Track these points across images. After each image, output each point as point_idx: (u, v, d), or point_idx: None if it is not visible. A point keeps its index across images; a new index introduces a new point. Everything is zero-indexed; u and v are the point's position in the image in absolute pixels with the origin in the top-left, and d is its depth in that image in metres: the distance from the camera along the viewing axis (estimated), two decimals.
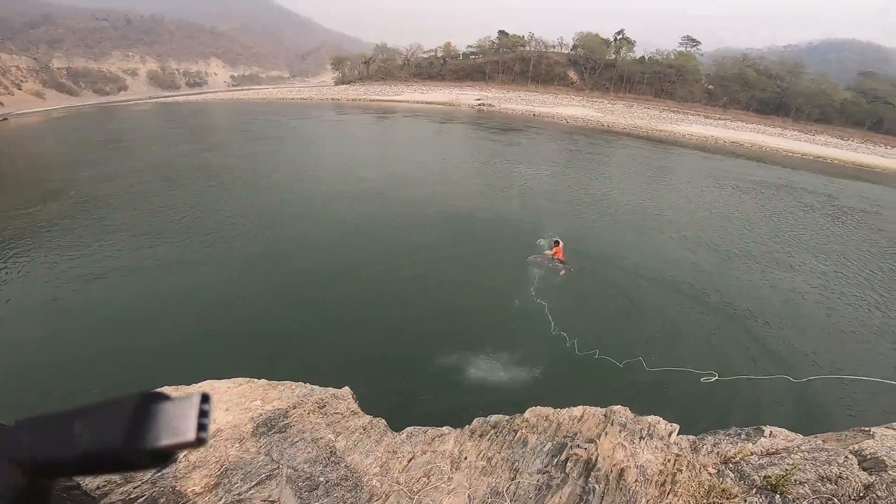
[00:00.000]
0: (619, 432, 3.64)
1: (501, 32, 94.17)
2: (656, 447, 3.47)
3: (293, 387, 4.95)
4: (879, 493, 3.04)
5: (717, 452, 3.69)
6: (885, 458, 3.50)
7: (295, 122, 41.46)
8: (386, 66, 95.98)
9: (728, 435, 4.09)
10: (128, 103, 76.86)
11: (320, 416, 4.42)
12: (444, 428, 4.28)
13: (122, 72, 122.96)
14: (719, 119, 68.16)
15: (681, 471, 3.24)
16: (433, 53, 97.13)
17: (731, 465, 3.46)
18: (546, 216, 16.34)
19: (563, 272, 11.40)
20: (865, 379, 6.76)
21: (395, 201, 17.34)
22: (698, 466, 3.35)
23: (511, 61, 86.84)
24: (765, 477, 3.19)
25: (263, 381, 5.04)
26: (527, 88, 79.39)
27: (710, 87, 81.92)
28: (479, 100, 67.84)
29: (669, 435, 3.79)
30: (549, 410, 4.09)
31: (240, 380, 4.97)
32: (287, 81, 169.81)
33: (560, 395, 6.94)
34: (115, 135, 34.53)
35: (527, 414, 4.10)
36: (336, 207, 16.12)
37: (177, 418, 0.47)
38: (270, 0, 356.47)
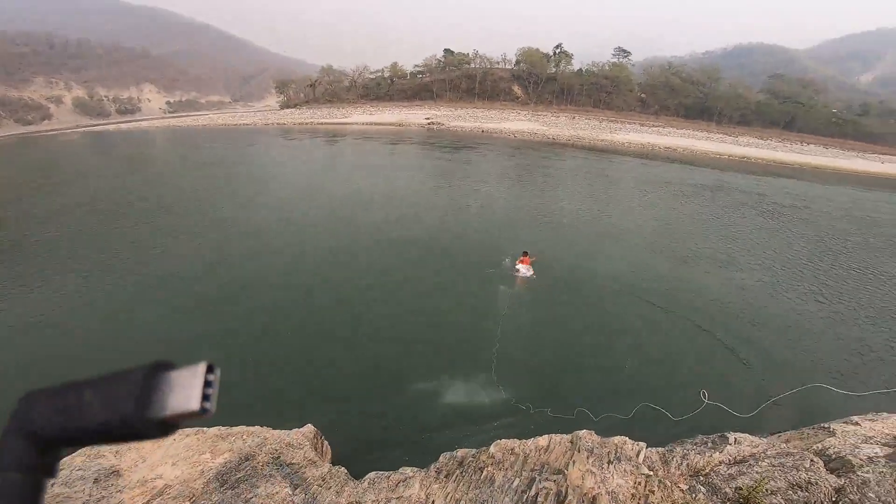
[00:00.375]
0: (587, 458, 3.59)
1: (447, 51, 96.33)
2: (626, 470, 3.44)
3: (245, 436, 4.73)
4: (852, 497, 3.09)
5: (687, 465, 3.72)
6: (850, 457, 3.62)
7: (240, 150, 39.71)
8: (332, 89, 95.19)
9: (695, 444, 4.15)
10: (53, 133, 71.23)
11: (275, 468, 4.22)
12: (409, 470, 4.15)
13: (46, 99, 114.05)
14: (652, 126, 72.94)
15: (653, 492, 3.24)
16: (380, 74, 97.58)
17: (701, 479, 3.48)
18: (506, 233, 16.52)
19: (521, 280, 12.04)
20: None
21: (353, 226, 16.92)
22: (670, 485, 3.34)
23: (458, 79, 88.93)
24: (736, 489, 3.22)
25: (214, 430, 4.80)
26: (474, 105, 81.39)
27: (643, 95, 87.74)
28: (428, 118, 68.64)
29: (638, 454, 3.81)
30: (514, 443, 4.00)
31: (187, 430, 4.72)
32: (229, 106, 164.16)
33: (525, 417, 7.02)
34: (41, 168, 31.72)
35: (492, 449, 4.00)
36: (291, 237, 15.53)
37: (182, 388, 0.48)
38: (208, 24, 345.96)
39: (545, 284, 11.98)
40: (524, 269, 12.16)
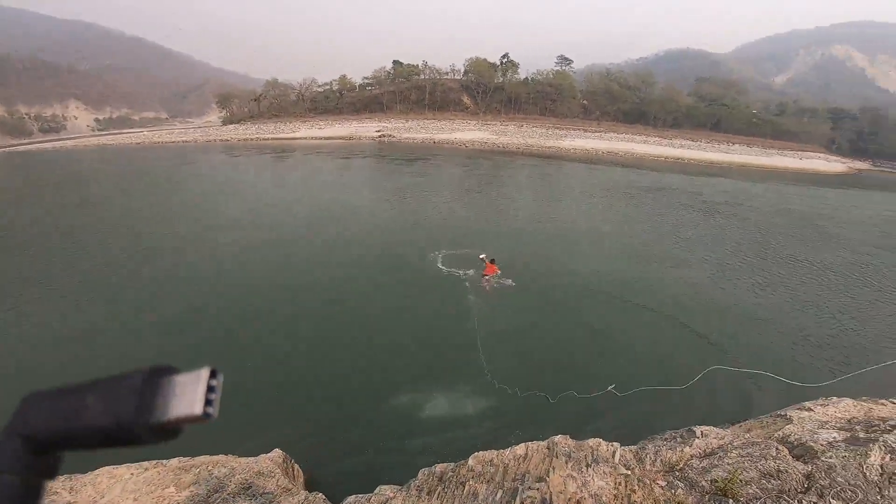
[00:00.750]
0: (566, 463, 3.62)
1: (396, 62, 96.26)
2: (604, 472, 3.50)
3: (210, 466, 4.48)
4: (822, 483, 3.22)
5: (661, 461, 3.81)
6: (811, 443, 3.81)
7: (181, 169, 37.53)
8: (279, 102, 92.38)
9: (665, 440, 4.29)
10: None
11: (247, 499, 4.02)
12: (388, 489, 4.08)
13: None
14: (595, 131, 76.63)
15: (634, 491, 3.30)
16: (328, 87, 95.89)
17: (677, 474, 3.58)
18: (471, 240, 16.57)
19: (488, 287, 12.65)
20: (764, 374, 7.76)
21: (311, 242, 16.35)
22: (649, 482, 3.41)
23: (408, 90, 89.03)
24: (712, 481, 3.33)
25: (175, 460, 4.53)
26: (425, 116, 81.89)
27: (585, 102, 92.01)
28: (379, 131, 68.32)
29: (613, 455, 3.87)
30: (492, 454, 3.99)
31: (146, 463, 4.44)
32: (166, 123, 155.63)
33: (503, 428, 7.04)
34: None
35: (471, 461, 3.95)
36: (247, 257, 14.81)
37: (184, 393, 0.48)
38: (141, 37, 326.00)
39: (517, 288, 12.50)
40: (489, 277, 12.87)
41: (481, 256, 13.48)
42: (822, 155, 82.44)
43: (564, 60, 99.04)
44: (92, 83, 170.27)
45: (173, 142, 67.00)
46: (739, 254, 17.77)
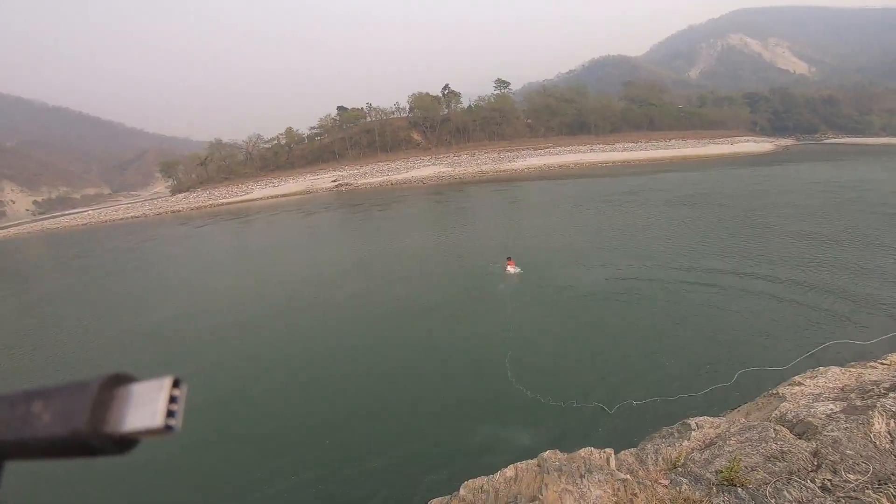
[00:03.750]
0: (559, 477, 3.45)
1: (340, 108, 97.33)
2: (600, 480, 3.35)
3: None
4: (832, 458, 3.09)
5: (662, 458, 3.73)
6: (810, 419, 3.73)
7: (136, 249, 35.18)
8: (227, 164, 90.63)
9: (663, 437, 4.21)
10: None
11: None
12: None
13: None
14: (544, 148, 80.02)
15: (636, 495, 3.16)
16: (276, 142, 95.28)
17: (679, 470, 3.48)
18: (461, 281, 16.36)
19: (512, 276, 15.37)
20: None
21: (295, 311, 15.26)
22: (650, 483, 3.29)
23: (357, 135, 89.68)
24: (717, 472, 3.21)
25: None
26: (378, 159, 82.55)
27: (529, 121, 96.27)
28: (335, 181, 68.15)
29: (608, 461, 3.73)
30: (482, 480, 3.84)
31: None
32: (110, 199, 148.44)
33: (488, 448, 7.02)
34: None
35: (462, 491, 3.79)
36: (229, 336, 13.64)
37: (145, 403, 0.46)
38: (65, 107, 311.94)
39: (533, 294, 13.97)
40: (511, 269, 15.55)
41: (494, 265, 16.65)
42: (750, 137, 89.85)
43: (502, 83, 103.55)
44: (23, 161, 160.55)
45: (122, 219, 64.09)
46: (719, 241, 18.51)
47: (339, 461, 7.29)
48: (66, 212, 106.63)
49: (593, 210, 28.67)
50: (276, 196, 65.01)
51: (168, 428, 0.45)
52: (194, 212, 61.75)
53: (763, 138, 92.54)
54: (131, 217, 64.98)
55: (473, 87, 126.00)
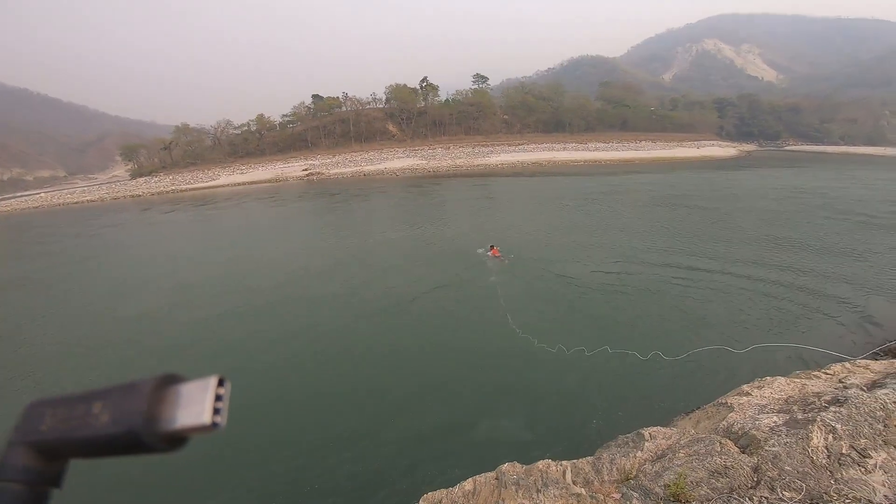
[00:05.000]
0: (517, 492, 3.48)
1: (316, 96, 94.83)
2: (555, 495, 3.37)
3: None
4: (771, 474, 3.11)
5: (617, 469, 3.77)
6: (754, 432, 3.76)
7: (98, 234, 32.82)
8: (193, 149, 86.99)
9: (619, 446, 4.25)
10: None
11: None
12: None
13: None
14: (518, 144, 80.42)
15: None
16: (246, 128, 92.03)
17: (631, 482, 3.50)
18: (428, 275, 15.97)
19: (506, 261, 16.34)
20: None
21: (282, 302, 14.44)
22: (603, 498, 3.31)
23: (331, 124, 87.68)
24: (665, 486, 3.22)
25: None
26: (352, 149, 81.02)
27: (505, 117, 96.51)
28: (306, 170, 66.52)
29: (564, 475, 3.76)
30: (441, 493, 3.81)
31: None
32: (66, 181, 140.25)
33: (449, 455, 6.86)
34: None
35: None
36: (213, 329, 12.84)
37: (193, 402, 0.48)
38: (26, 88, 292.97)
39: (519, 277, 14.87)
40: (495, 255, 16.61)
41: (479, 251, 17.53)
42: (715, 142, 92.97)
43: (481, 78, 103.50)
44: None
45: (77, 202, 60.47)
46: (688, 239, 19.19)
47: (334, 444, 7.17)
48: (17, 194, 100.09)
49: (570, 208, 28.97)
50: (244, 183, 62.94)
51: (214, 425, 0.47)
52: (155, 197, 59.06)
53: (728, 143, 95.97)
54: (87, 201, 61.38)
55: (452, 80, 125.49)
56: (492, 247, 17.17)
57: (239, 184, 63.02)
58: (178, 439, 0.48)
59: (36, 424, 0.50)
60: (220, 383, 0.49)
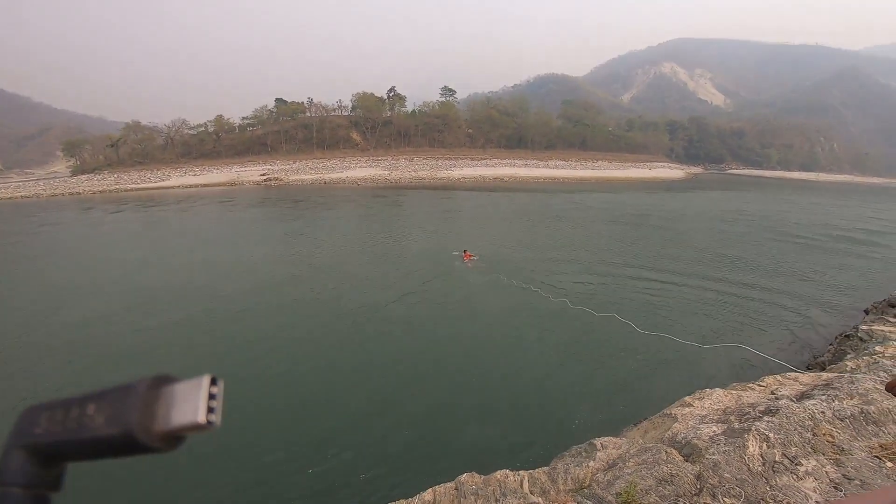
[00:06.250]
0: (476, 501, 3.52)
1: (279, 100, 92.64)
2: None
3: None
4: (712, 482, 3.25)
5: (572, 479, 3.84)
6: (696, 441, 3.94)
7: (37, 233, 30.09)
8: (142, 148, 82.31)
9: (573, 456, 4.37)
10: None
11: None
12: None
13: None
14: (481, 159, 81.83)
15: None
16: (203, 129, 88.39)
17: (585, 492, 3.58)
18: (386, 285, 15.65)
19: (470, 264, 17.30)
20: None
21: (244, 312, 13.54)
22: None
23: (293, 130, 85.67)
24: (616, 494, 3.31)
25: None
26: (313, 156, 79.48)
27: (470, 131, 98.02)
28: (264, 174, 64.59)
29: (521, 484, 3.80)
30: None
31: None
32: (0, 175, 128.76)
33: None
34: None
35: None
36: (168, 338, 12.01)
37: (186, 401, 0.48)
38: None
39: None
40: (467, 260, 17.50)
41: (454, 253, 18.46)
42: (666, 164, 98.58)
43: (448, 91, 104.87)
44: None
45: (9, 198, 55.72)
46: (643, 253, 20.41)
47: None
48: None
49: (536, 223, 29.93)
50: (196, 185, 60.28)
51: (210, 423, 0.47)
52: (97, 195, 55.34)
53: (676, 165, 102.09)
54: (21, 196, 56.72)
55: (419, 91, 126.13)
56: (464, 251, 18.11)
57: (191, 185, 60.34)
58: (173, 438, 0.48)
59: (32, 428, 0.50)
60: (213, 382, 0.50)
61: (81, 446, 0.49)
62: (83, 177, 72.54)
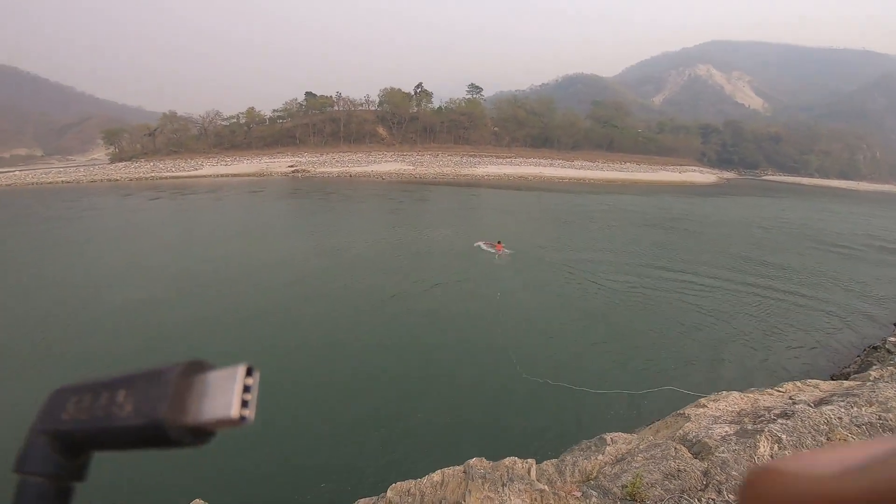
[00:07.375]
0: (483, 485, 3.58)
1: (309, 94, 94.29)
2: (520, 489, 3.49)
3: None
4: (719, 478, 3.32)
5: (579, 471, 3.92)
6: (706, 440, 3.99)
7: (78, 218, 31.31)
8: (178, 138, 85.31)
9: (582, 450, 4.43)
10: None
11: None
12: None
13: None
14: (506, 157, 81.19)
15: None
16: (235, 120, 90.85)
17: (591, 483, 3.66)
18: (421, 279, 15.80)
19: (503, 256, 17.78)
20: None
21: (288, 301, 13.98)
22: (564, 495, 3.44)
23: (321, 123, 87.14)
24: (622, 487, 3.39)
25: None
26: (340, 149, 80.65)
27: (496, 129, 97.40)
28: (292, 166, 65.95)
29: (529, 472, 3.87)
30: (409, 483, 3.91)
31: None
32: (41, 161, 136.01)
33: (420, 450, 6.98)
34: None
35: (389, 493, 3.88)
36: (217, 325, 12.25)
37: (220, 393, 0.44)
38: (15, 66, 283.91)
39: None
40: (501, 251, 17.92)
41: (476, 244, 19.26)
42: (696, 168, 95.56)
43: (475, 88, 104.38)
44: None
45: (51, 182, 58.60)
46: (681, 260, 19.91)
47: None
48: None
49: (566, 223, 29.65)
50: (227, 175, 62.02)
51: (242, 419, 0.44)
52: (133, 182, 57.62)
53: (708, 170, 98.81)
54: (62, 181, 59.50)
55: (445, 88, 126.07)
56: (498, 242, 18.55)
57: (222, 175, 62.13)
58: (203, 433, 0.45)
59: (59, 413, 0.48)
60: (249, 373, 0.46)
61: (108, 436, 0.46)
62: (121, 164, 75.66)
